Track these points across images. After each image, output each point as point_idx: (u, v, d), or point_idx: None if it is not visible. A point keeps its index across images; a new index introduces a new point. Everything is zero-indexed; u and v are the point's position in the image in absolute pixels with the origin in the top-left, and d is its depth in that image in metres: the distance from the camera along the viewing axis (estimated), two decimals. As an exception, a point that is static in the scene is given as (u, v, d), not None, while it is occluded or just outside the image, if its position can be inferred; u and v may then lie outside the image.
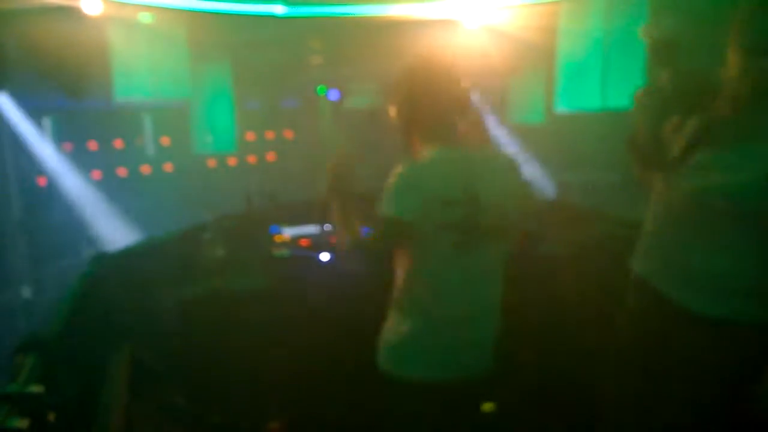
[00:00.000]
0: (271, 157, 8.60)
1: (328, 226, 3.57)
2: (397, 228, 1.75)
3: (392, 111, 1.90)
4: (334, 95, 8.43)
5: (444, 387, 1.84)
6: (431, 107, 1.83)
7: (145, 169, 7.44)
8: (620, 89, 5.54)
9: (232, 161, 8.15)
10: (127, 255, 3.30)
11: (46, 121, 6.59)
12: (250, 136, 8.44)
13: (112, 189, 6.93)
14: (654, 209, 2.02)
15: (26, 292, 5.40)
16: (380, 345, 1.92)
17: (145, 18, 6.27)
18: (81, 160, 6.79)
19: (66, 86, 6.07)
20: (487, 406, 2.01)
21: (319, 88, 8.24)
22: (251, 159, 8.39)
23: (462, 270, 1.81)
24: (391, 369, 1.87)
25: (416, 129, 1.87)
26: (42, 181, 6.46)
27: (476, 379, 1.88)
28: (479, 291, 1.86)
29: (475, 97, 2.01)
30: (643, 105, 2.11)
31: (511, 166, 1.93)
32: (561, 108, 6.25)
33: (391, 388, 1.86)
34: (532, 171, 6.67)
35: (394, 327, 1.89)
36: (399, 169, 1.77)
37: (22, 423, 1.50)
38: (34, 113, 6.39)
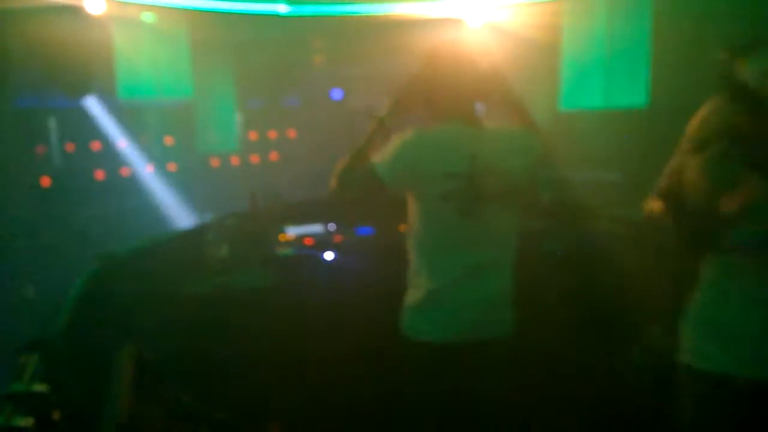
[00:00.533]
0: (274, 156, 8.59)
1: (332, 226, 3.56)
2: (376, 184, 1.87)
3: (416, 89, 1.98)
4: (337, 94, 8.43)
5: (457, 348, 1.91)
6: (451, 88, 1.92)
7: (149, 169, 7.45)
8: (624, 88, 5.53)
9: (235, 160, 8.14)
10: (131, 254, 3.30)
11: (50, 121, 6.61)
12: (253, 135, 8.44)
13: (116, 188, 6.95)
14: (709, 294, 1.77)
15: (30, 291, 5.40)
16: (402, 308, 2.01)
17: (148, 17, 6.28)
18: (84, 159, 6.82)
19: (69, 86, 6.09)
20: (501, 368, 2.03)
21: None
22: (254, 158, 8.39)
23: (467, 236, 1.89)
24: (407, 333, 1.97)
25: (434, 107, 1.95)
26: (45, 181, 6.48)
27: (489, 339, 1.95)
28: (486, 255, 1.93)
29: (508, 82, 2.07)
30: (709, 172, 1.72)
31: (519, 138, 1.99)
32: (565, 107, 6.23)
33: (408, 350, 1.97)
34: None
35: (410, 293, 1.99)
36: (406, 135, 1.87)
37: (27, 422, 1.50)
38: (38, 113, 6.41)
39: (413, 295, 1.97)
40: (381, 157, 1.88)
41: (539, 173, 2.05)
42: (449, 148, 1.87)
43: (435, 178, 1.84)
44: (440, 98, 1.94)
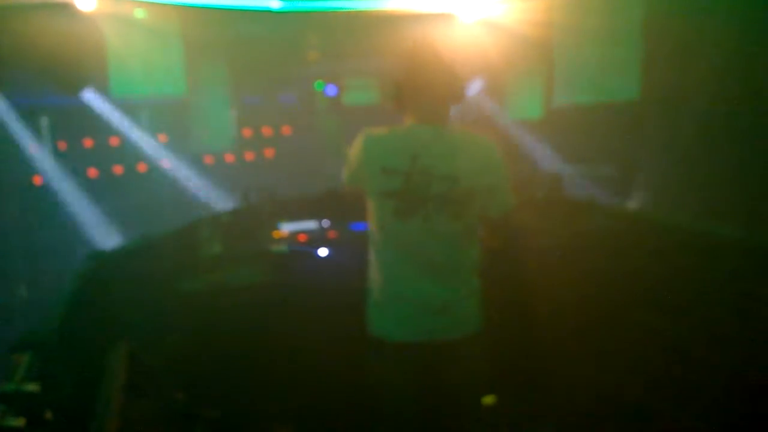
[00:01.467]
0: (268, 153, 8.56)
1: (325, 222, 3.56)
2: (346, 189, 2.02)
3: (390, 86, 2.04)
4: (331, 91, 8.40)
5: (410, 347, 1.94)
6: (415, 86, 1.95)
7: (142, 167, 7.41)
8: (616, 81, 5.54)
9: (229, 158, 8.11)
10: (124, 252, 3.29)
11: (42, 120, 6.57)
12: (248, 132, 8.41)
13: (108, 187, 6.92)
14: None
15: (23, 291, 5.39)
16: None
17: (140, 14, 6.24)
18: (76, 158, 6.79)
19: (61, 84, 6.06)
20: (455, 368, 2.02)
21: (316, 83, 8.22)
22: (248, 155, 8.36)
23: (410, 236, 1.90)
24: (369, 329, 2.02)
25: (403, 105, 1.99)
26: (37, 180, 6.45)
27: (440, 341, 1.94)
28: (431, 259, 1.92)
29: (473, 87, 2.10)
30: None
31: (487, 154, 1.96)
32: (558, 102, 6.24)
33: (370, 347, 2.01)
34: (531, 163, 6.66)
35: (368, 290, 2.04)
36: (357, 137, 1.96)
37: (19, 422, 1.49)
38: (30, 111, 6.37)
39: (370, 291, 2.02)
40: (345, 168, 2.02)
41: (493, 186, 1.95)
42: (393, 147, 1.91)
43: (375, 174, 1.89)
44: (405, 98, 1.98)
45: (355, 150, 1.95)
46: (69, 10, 5.43)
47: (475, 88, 7.29)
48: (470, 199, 1.90)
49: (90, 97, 6.51)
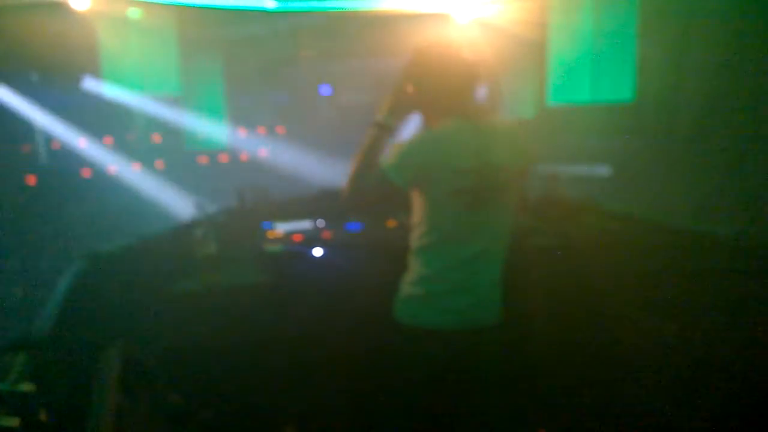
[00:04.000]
0: (263, 152, 8.56)
1: (320, 222, 3.56)
2: (388, 186, 1.94)
3: (409, 89, 2.04)
4: (326, 90, 8.41)
5: (451, 336, 2.00)
6: (446, 85, 2.00)
7: (136, 166, 7.39)
8: (611, 82, 5.56)
9: (223, 157, 8.10)
10: (119, 252, 3.28)
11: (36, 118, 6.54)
12: (242, 131, 8.40)
13: (103, 186, 6.90)
14: None
15: (16, 290, 5.37)
16: (398, 297, 2.08)
17: (135, 13, 6.23)
18: (72, 156, 6.76)
19: (55, 83, 6.04)
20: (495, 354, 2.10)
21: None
22: (243, 155, 8.35)
23: (473, 228, 1.98)
24: (404, 319, 2.05)
25: (434, 107, 2.03)
26: (32, 180, 6.42)
27: (483, 327, 2.04)
28: (485, 245, 2.02)
29: (487, 74, 2.13)
30: None
31: (516, 132, 2.07)
32: (552, 102, 6.26)
33: (403, 336, 2.04)
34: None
35: (409, 280, 2.06)
36: (413, 137, 1.95)
37: (13, 422, 1.49)
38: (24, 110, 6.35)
39: (417, 285, 2.04)
40: (391, 159, 1.94)
41: (532, 168, 2.14)
42: (456, 146, 1.94)
43: (445, 175, 1.91)
44: (437, 96, 2.01)
45: (416, 149, 1.94)
46: (64, 9, 5.41)
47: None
48: (518, 185, 2.05)
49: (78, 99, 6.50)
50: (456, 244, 2.00)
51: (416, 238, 2.06)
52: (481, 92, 2.08)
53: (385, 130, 2.01)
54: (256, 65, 7.94)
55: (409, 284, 2.07)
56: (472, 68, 2.04)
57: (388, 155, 1.96)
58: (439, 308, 2.01)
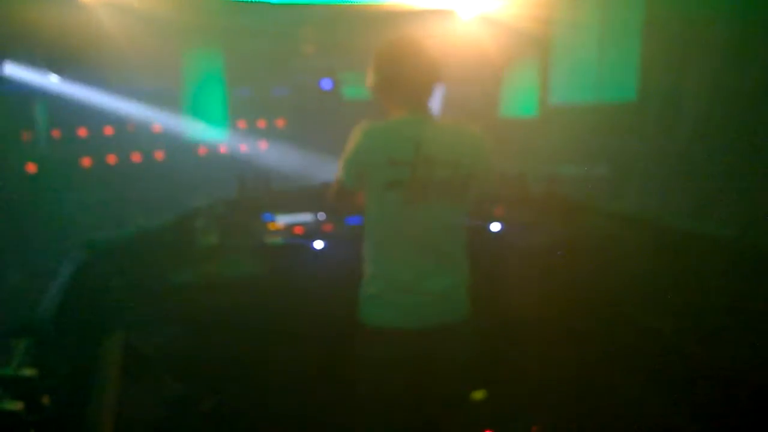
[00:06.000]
0: (263, 145, 8.55)
1: (321, 215, 3.56)
2: (344, 190, 2.04)
3: (371, 82, 2.12)
4: (327, 84, 8.39)
5: (409, 335, 2.00)
6: (403, 79, 2.03)
7: (136, 157, 7.39)
8: (614, 81, 5.56)
9: (223, 149, 8.09)
10: (120, 241, 3.27)
11: (38, 107, 6.53)
12: (242, 124, 8.39)
13: (102, 176, 6.89)
14: None
15: (17, 279, 5.37)
16: (359, 297, 2.11)
17: (136, 3, 6.20)
18: (70, 146, 6.75)
19: (55, 71, 6.03)
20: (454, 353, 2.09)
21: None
22: (243, 147, 8.34)
23: (414, 224, 1.97)
24: (365, 320, 2.07)
25: (391, 98, 2.07)
26: (31, 167, 6.41)
27: (438, 326, 2.03)
28: (433, 245, 2.01)
29: (444, 73, 2.14)
30: None
31: (477, 139, 2.08)
32: (554, 100, 6.26)
33: (364, 336, 2.06)
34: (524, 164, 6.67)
35: (364, 282, 2.08)
36: (356, 130, 1.98)
37: (16, 405, 1.49)
38: (25, 99, 6.34)
39: (368, 283, 2.06)
40: (340, 165, 2.02)
41: (486, 169, 2.11)
42: (395, 138, 1.97)
43: (381, 165, 1.93)
44: (392, 89, 2.06)
45: (356, 144, 1.97)
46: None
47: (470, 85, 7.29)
48: (468, 185, 2.03)
49: (79, 89, 6.49)
50: (400, 243, 2.00)
51: (365, 237, 2.09)
52: (438, 91, 2.11)
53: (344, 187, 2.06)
54: (257, 58, 7.92)
55: (364, 284, 2.08)
56: (430, 66, 2.06)
57: (340, 163, 2.02)
58: (391, 307, 2.01)
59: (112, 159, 7.15)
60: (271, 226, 3.49)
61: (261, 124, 8.59)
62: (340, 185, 2.04)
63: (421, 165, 1.94)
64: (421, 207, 1.96)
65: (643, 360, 2.80)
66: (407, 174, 1.93)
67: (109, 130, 7.12)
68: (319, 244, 3.27)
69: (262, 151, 8.45)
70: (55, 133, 6.72)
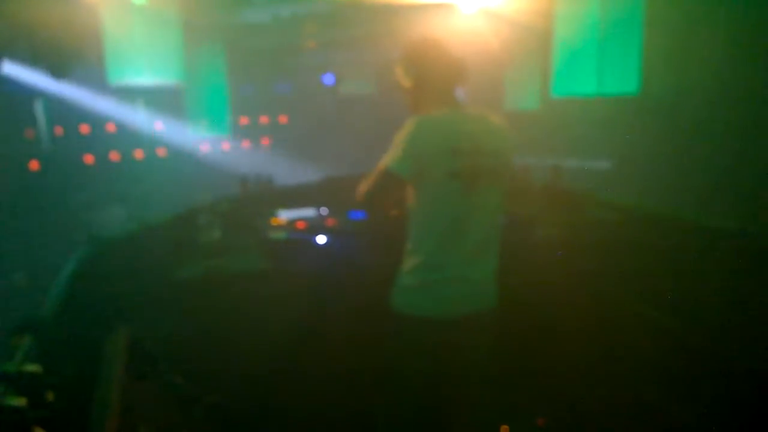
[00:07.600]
0: (265, 141, 8.56)
1: (324, 210, 3.56)
2: (391, 182, 2.01)
3: (406, 83, 2.17)
4: (329, 80, 8.39)
5: (445, 323, 2.05)
6: (440, 77, 2.12)
7: (138, 154, 7.40)
8: (616, 75, 5.54)
9: (225, 145, 8.10)
10: (123, 237, 3.28)
11: (39, 104, 6.54)
12: (244, 120, 8.40)
13: (105, 173, 6.90)
14: None
15: (20, 275, 5.38)
16: (395, 287, 2.13)
17: (139, 0, 6.20)
18: (73, 143, 6.77)
19: (58, 69, 6.02)
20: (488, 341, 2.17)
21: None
22: (245, 143, 8.35)
23: (469, 210, 2.03)
24: (401, 308, 2.09)
25: (427, 95, 2.13)
26: (34, 165, 6.42)
27: (482, 311, 2.11)
28: (483, 231, 2.08)
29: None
30: None
31: (505, 130, 2.17)
32: (556, 94, 6.24)
33: (401, 325, 2.09)
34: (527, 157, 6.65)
35: (410, 274, 2.08)
36: (411, 122, 2.00)
37: (20, 401, 1.50)
38: (26, 96, 6.34)
39: (411, 273, 2.07)
40: (394, 155, 1.99)
41: (512, 158, 2.20)
42: (452, 129, 2.02)
43: (445, 155, 1.97)
44: (430, 88, 2.12)
45: (414, 135, 1.99)
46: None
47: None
48: (506, 173, 2.12)
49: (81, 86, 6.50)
50: (453, 234, 2.04)
51: (412, 227, 2.10)
52: (465, 85, 2.17)
53: (395, 179, 2.03)
54: (259, 54, 7.92)
55: (405, 274, 2.10)
56: (459, 62, 2.15)
57: (389, 154, 2.01)
58: (436, 298, 2.05)
59: (115, 156, 7.17)
60: (273, 221, 3.50)
61: (264, 120, 8.60)
62: (387, 177, 2.01)
63: (475, 155, 2.01)
64: (474, 195, 2.02)
65: (645, 353, 2.80)
66: (467, 163, 1.99)
67: (111, 127, 7.13)
68: (321, 239, 3.27)
69: (264, 146, 8.46)
70: (58, 130, 6.73)
